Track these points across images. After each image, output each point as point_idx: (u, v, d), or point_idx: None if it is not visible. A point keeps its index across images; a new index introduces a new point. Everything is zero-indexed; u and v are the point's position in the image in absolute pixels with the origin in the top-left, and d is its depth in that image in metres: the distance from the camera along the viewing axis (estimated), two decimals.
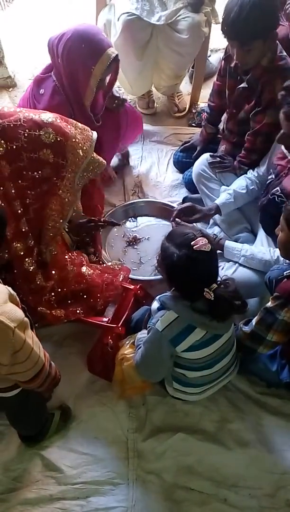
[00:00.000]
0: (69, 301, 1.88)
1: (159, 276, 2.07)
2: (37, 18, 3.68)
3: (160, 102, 3.20)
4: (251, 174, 2.21)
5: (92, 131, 1.80)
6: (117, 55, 2.10)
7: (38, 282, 1.77)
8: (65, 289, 1.86)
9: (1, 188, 1.63)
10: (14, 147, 1.60)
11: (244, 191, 2.18)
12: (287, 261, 1.78)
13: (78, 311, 1.87)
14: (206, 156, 2.42)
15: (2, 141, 1.59)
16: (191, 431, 1.85)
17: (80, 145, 1.69)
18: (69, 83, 2.09)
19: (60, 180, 1.68)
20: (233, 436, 1.85)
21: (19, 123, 1.61)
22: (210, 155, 2.40)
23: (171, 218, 2.23)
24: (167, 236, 1.61)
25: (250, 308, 2.00)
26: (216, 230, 2.31)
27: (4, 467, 1.77)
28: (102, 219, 2.18)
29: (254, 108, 2.13)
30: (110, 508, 1.69)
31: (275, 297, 1.65)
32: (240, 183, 2.21)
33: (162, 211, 2.46)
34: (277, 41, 2.05)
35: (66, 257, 1.91)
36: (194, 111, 3.10)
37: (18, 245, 1.71)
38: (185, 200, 2.51)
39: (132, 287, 1.99)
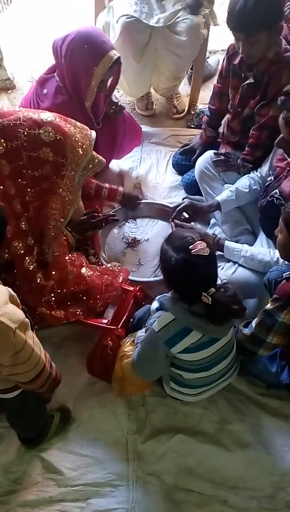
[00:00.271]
0: (69, 302, 1.88)
1: (159, 278, 2.08)
2: (36, 20, 3.69)
3: (159, 104, 3.20)
4: (254, 174, 2.21)
5: (91, 130, 1.80)
6: (119, 57, 2.11)
7: (39, 281, 1.78)
8: (64, 290, 1.86)
9: (1, 187, 1.63)
10: (14, 146, 1.60)
11: (246, 190, 2.18)
12: (286, 262, 1.79)
13: (77, 312, 1.87)
14: (210, 154, 2.40)
15: (2, 140, 1.59)
16: (191, 432, 1.85)
17: (79, 143, 1.70)
18: (71, 83, 2.11)
19: (60, 178, 1.68)
20: (233, 437, 1.85)
21: (18, 122, 1.61)
22: (214, 153, 2.39)
23: (170, 218, 2.23)
24: (167, 239, 1.62)
25: (249, 309, 2.02)
26: (217, 231, 2.31)
27: (4, 469, 1.76)
28: (102, 215, 2.20)
29: (259, 102, 2.14)
30: (110, 509, 1.69)
31: (274, 299, 1.65)
32: (243, 182, 2.21)
33: (161, 212, 2.46)
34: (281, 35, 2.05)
35: (66, 258, 1.92)
36: (193, 112, 3.10)
37: (18, 244, 1.71)
38: (185, 199, 2.50)
39: (131, 288, 2.00)
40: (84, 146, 1.72)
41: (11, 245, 1.70)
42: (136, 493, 1.72)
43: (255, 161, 2.25)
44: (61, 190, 1.70)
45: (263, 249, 2.05)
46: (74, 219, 1.96)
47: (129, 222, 2.49)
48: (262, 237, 2.17)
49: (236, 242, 2.21)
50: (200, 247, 1.50)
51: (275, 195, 1.98)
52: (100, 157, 1.83)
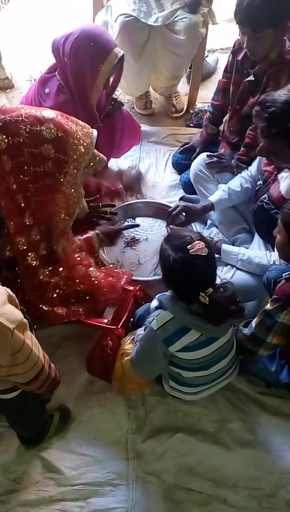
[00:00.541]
0: (72, 301, 1.88)
1: (158, 277, 2.08)
2: (34, 19, 3.69)
3: (158, 103, 3.21)
4: (245, 173, 2.22)
5: (92, 128, 1.81)
6: (123, 55, 2.12)
7: (42, 277, 1.78)
8: (70, 288, 1.86)
9: (3, 183, 1.63)
10: (16, 142, 1.60)
11: (238, 189, 2.18)
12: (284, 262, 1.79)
13: (79, 311, 1.88)
14: (203, 156, 2.42)
15: (4, 136, 1.59)
16: (191, 431, 1.85)
17: (81, 141, 1.70)
18: (75, 81, 2.11)
19: (64, 176, 1.69)
20: (233, 436, 1.85)
21: (20, 118, 1.62)
22: (207, 155, 2.41)
23: (166, 224, 2.24)
24: (166, 238, 1.63)
25: (249, 309, 2.02)
26: (214, 231, 2.31)
27: (3, 469, 1.76)
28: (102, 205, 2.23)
29: None
30: (110, 509, 1.69)
31: (274, 299, 1.65)
32: (235, 181, 2.22)
33: (160, 211, 2.46)
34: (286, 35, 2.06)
35: (76, 255, 1.92)
36: (191, 111, 3.10)
37: (21, 239, 1.71)
38: (181, 199, 2.51)
39: (131, 288, 1.99)
40: (85, 144, 1.72)
41: (14, 240, 1.71)
42: (136, 492, 1.72)
43: (250, 161, 2.26)
44: (64, 187, 1.71)
45: (260, 252, 2.05)
46: (78, 217, 1.96)
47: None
48: (258, 238, 2.17)
49: (234, 241, 2.22)
50: (198, 246, 1.51)
51: (264, 200, 1.99)
52: (101, 155, 1.83)
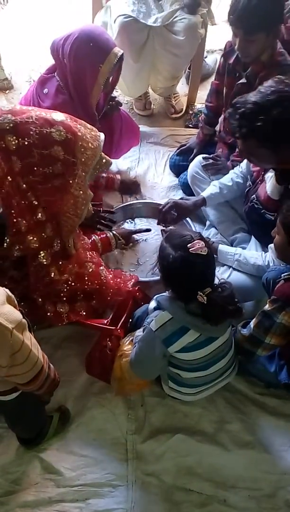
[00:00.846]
0: (78, 298, 1.89)
1: (157, 277, 2.08)
2: (34, 20, 3.68)
3: (157, 104, 3.20)
4: (237, 169, 2.22)
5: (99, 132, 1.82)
6: (122, 54, 2.12)
7: (53, 275, 1.79)
8: (78, 285, 1.87)
9: (13, 182, 1.64)
10: (26, 143, 1.61)
11: (230, 183, 2.19)
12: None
13: (81, 313, 1.88)
14: (199, 159, 2.43)
15: (14, 137, 1.60)
16: (190, 432, 1.85)
17: (89, 144, 1.71)
18: (74, 82, 2.10)
19: (73, 178, 1.70)
20: (232, 437, 1.85)
21: (31, 120, 1.63)
22: (203, 157, 2.41)
23: (157, 222, 2.24)
24: (166, 237, 1.63)
25: (247, 309, 2.02)
26: (212, 232, 2.31)
27: (3, 470, 1.76)
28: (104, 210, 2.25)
29: None
30: (109, 510, 1.69)
31: (272, 300, 1.65)
32: (226, 177, 2.23)
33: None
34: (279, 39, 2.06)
35: (88, 253, 1.93)
36: (191, 112, 3.10)
37: (33, 238, 1.71)
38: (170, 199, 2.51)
39: (130, 289, 1.99)
40: (93, 147, 1.74)
41: (26, 239, 1.71)
42: (135, 493, 1.72)
43: None
44: (73, 189, 1.72)
45: (255, 253, 2.06)
46: (85, 218, 1.97)
47: (127, 222, 2.49)
48: (254, 239, 2.18)
49: (232, 241, 2.22)
50: (198, 245, 1.51)
51: (254, 200, 2.00)
52: (108, 158, 1.85)
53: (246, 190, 2.10)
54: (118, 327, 1.87)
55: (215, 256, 2.05)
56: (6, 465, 1.77)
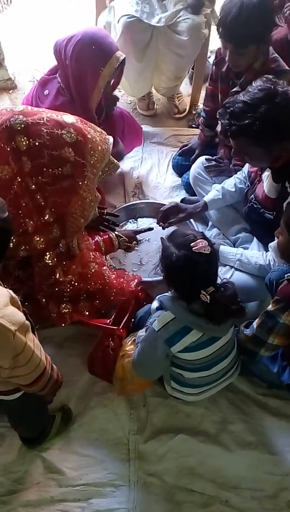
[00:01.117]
0: (81, 298, 1.89)
1: (160, 277, 2.08)
2: (37, 20, 3.69)
3: (160, 104, 3.21)
4: (240, 174, 2.23)
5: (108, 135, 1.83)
6: (124, 59, 2.12)
7: (58, 276, 1.79)
8: (82, 285, 1.87)
9: (23, 183, 1.65)
10: (37, 144, 1.63)
11: (233, 189, 2.19)
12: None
13: (84, 312, 1.88)
14: (202, 160, 2.43)
15: (25, 138, 1.62)
16: (193, 432, 1.85)
17: (99, 147, 1.73)
18: (76, 84, 2.11)
19: (82, 179, 1.70)
20: (234, 437, 1.84)
21: (42, 121, 1.64)
22: (206, 159, 2.42)
23: (157, 221, 2.24)
24: (169, 236, 1.63)
25: (250, 309, 2.02)
26: (215, 232, 2.31)
27: (5, 469, 1.76)
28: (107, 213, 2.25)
29: None
30: (111, 509, 1.69)
31: (275, 300, 1.65)
32: (229, 182, 2.23)
33: None
34: (270, 45, 2.06)
35: (91, 254, 1.94)
36: (194, 112, 3.11)
37: (40, 238, 1.73)
38: (182, 201, 2.51)
39: (133, 288, 1.99)
40: (102, 149, 1.75)
41: (32, 239, 1.72)
42: (137, 493, 1.72)
43: None
44: (82, 191, 1.73)
45: (257, 253, 2.06)
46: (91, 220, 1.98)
47: (130, 222, 2.49)
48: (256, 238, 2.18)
49: (235, 241, 2.22)
50: (201, 245, 1.51)
51: (252, 200, 2.01)
52: (115, 161, 1.87)
53: (245, 190, 2.10)
54: (120, 327, 1.87)
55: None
56: (9, 464, 1.77)
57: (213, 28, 2.76)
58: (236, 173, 2.30)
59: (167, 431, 1.85)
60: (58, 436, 1.83)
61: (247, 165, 2.16)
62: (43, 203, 1.69)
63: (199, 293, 1.52)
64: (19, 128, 1.61)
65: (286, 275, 1.67)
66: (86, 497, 1.71)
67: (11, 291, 1.33)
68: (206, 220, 2.42)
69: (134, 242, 2.20)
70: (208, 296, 1.51)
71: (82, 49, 2.04)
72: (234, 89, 2.17)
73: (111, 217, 2.27)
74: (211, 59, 3.27)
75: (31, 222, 1.69)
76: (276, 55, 2.09)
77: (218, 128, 2.56)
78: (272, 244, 1.87)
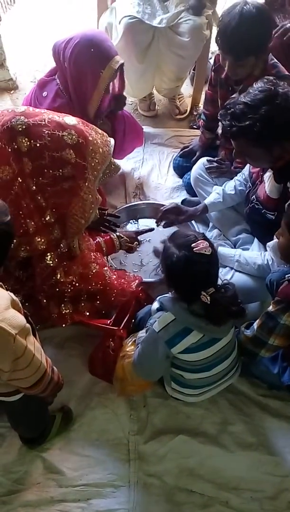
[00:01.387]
0: (82, 298, 1.89)
1: (160, 278, 2.08)
2: (39, 21, 3.70)
3: (162, 105, 3.21)
4: (240, 176, 2.23)
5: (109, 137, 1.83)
6: (123, 63, 2.13)
7: (59, 277, 1.79)
8: (82, 286, 1.87)
9: (23, 184, 1.66)
10: (38, 145, 1.63)
11: (232, 192, 2.19)
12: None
13: (84, 313, 1.89)
14: (203, 161, 2.43)
15: (26, 139, 1.62)
16: (193, 433, 1.85)
17: (100, 149, 1.73)
18: (75, 87, 2.11)
19: (83, 181, 1.71)
20: (234, 438, 1.84)
21: (43, 122, 1.64)
22: (207, 160, 2.42)
23: (156, 220, 2.25)
24: (170, 237, 1.63)
25: (251, 310, 2.02)
26: (215, 233, 2.31)
27: (5, 469, 1.76)
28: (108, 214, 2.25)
29: None
30: (111, 510, 1.69)
31: (276, 301, 1.65)
32: (229, 184, 2.23)
33: None
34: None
35: (92, 254, 1.94)
36: (195, 113, 3.11)
37: (41, 239, 1.72)
38: (183, 202, 2.52)
39: (133, 289, 1.99)
40: (103, 152, 1.75)
41: (33, 240, 1.72)
42: (137, 494, 1.72)
43: None
44: (83, 193, 1.73)
45: (255, 253, 2.06)
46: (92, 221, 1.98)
47: (131, 223, 2.49)
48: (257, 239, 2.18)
49: (236, 242, 2.22)
50: (202, 245, 1.52)
51: (254, 201, 2.01)
52: (117, 163, 1.87)
53: (246, 191, 2.11)
54: (121, 328, 1.87)
55: None
56: (9, 465, 1.77)
57: (215, 29, 2.76)
58: (237, 175, 2.31)
59: (167, 432, 1.85)
60: (58, 436, 1.83)
61: (247, 167, 2.16)
62: (44, 204, 1.69)
63: (200, 294, 1.52)
64: (20, 129, 1.61)
65: (286, 276, 1.66)
66: (86, 498, 1.71)
67: (12, 294, 1.33)
68: (206, 221, 2.42)
69: (135, 242, 2.20)
70: (208, 297, 1.51)
71: (81, 52, 2.03)
72: (233, 95, 2.17)
73: (112, 218, 2.27)
74: (213, 60, 3.30)
75: (32, 223, 1.69)
76: (275, 60, 2.10)
77: (219, 130, 2.57)
78: (270, 244, 1.87)
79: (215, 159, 2.42)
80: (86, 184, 1.72)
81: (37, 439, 1.79)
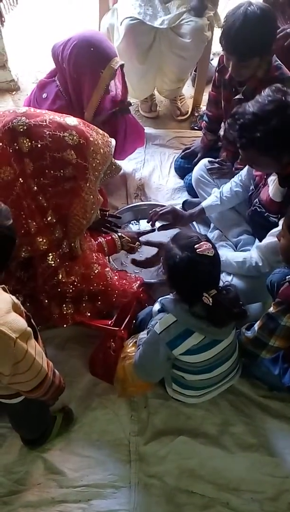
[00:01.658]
0: (84, 299, 1.89)
1: (162, 279, 2.08)
2: (41, 22, 3.70)
3: (163, 106, 3.21)
4: (237, 177, 2.23)
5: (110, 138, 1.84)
6: (123, 65, 2.13)
7: (60, 277, 1.79)
8: (84, 286, 1.88)
9: (25, 184, 1.66)
10: (39, 146, 1.63)
11: (229, 194, 2.19)
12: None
13: (86, 314, 1.89)
14: (204, 162, 2.43)
15: (27, 139, 1.62)
16: (193, 434, 1.85)
17: (101, 150, 1.73)
18: (74, 88, 2.11)
19: (84, 182, 1.71)
20: (235, 439, 1.84)
21: (44, 123, 1.65)
22: (209, 161, 2.42)
23: (148, 219, 2.25)
24: (173, 238, 1.63)
25: (252, 311, 2.02)
26: (216, 234, 2.31)
27: (6, 470, 1.77)
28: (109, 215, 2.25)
29: None
30: (111, 511, 1.69)
31: (277, 302, 1.65)
32: (226, 186, 2.23)
33: None
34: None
35: (94, 255, 1.94)
36: (196, 114, 3.11)
37: (42, 239, 1.73)
38: (184, 203, 2.52)
39: (134, 290, 2.00)
40: (104, 152, 1.75)
41: (35, 240, 1.72)
42: (137, 494, 1.72)
43: None
44: (84, 193, 1.74)
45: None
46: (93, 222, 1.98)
47: (132, 224, 2.50)
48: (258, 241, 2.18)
49: (237, 243, 2.22)
50: (205, 247, 1.52)
51: (256, 204, 2.01)
52: (118, 163, 1.87)
53: (249, 194, 2.11)
54: (122, 328, 1.88)
55: None
56: (9, 465, 1.77)
57: (216, 30, 2.77)
58: None
59: (168, 433, 1.85)
60: (59, 437, 1.83)
61: (245, 169, 2.16)
62: (45, 204, 1.70)
63: (201, 295, 1.52)
64: (21, 129, 1.61)
65: (287, 277, 1.66)
66: (86, 498, 1.72)
67: (13, 297, 1.33)
68: (207, 222, 2.42)
69: (137, 243, 2.20)
70: (210, 299, 1.51)
71: (80, 52, 2.04)
72: (237, 97, 2.17)
73: (113, 219, 2.27)
74: (214, 62, 3.29)
75: (34, 223, 1.70)
76: (279, 62, 2.10)
77: (221, 132, 2.57)
78: (261, 244, 1.89)
79: (217, 160, 2.42)
80: (87, 184, 1.73)
81: (38, 440, 1.79)
